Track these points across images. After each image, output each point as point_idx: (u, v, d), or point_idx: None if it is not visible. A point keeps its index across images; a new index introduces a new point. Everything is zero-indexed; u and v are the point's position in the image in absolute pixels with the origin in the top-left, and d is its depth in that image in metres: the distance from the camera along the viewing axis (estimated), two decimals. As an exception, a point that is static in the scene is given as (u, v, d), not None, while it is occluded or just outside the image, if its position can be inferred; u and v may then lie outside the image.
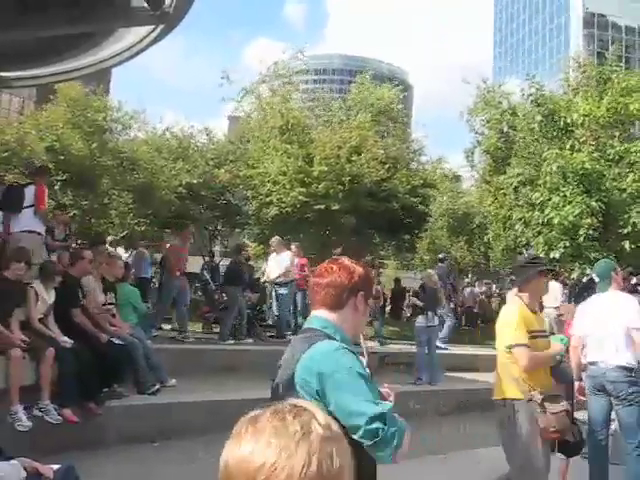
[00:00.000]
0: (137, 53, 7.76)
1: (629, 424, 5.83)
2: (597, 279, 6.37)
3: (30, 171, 11.03)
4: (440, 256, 17.74)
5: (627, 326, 5.77)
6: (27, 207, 8.91)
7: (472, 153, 22.54)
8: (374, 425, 2.16)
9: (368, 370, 2.55)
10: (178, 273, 11.63)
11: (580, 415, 7.78)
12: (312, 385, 2.26)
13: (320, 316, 2.54)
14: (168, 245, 13.25)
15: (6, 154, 17.58)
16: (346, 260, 2.64)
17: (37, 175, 9.77)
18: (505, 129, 20.08)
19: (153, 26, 6.92)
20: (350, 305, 2.53)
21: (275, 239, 13.46)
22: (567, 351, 7.08)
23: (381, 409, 2.20)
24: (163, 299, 11.89)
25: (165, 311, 12.05)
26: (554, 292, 12.37)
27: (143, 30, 7.09)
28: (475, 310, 22.35)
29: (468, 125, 21.71)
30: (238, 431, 1.19)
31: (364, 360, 2.63)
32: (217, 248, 17.39)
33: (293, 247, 13.26)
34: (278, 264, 12.79)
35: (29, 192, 9.02)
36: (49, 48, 7.59)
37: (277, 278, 12.79)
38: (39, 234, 9.04)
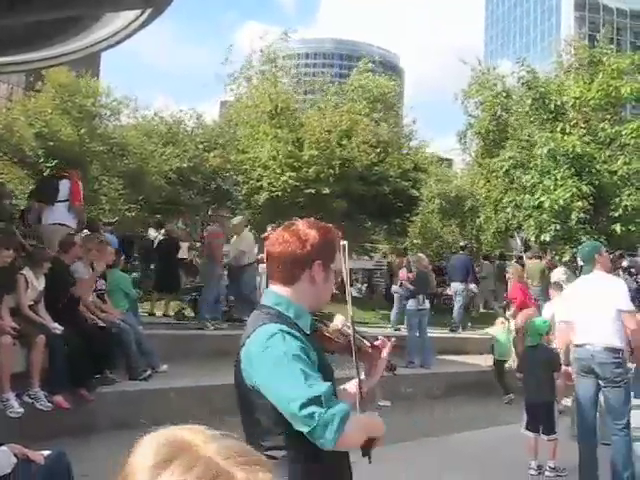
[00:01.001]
0: (126, 37, 7.69)
1: (616, 405, 5.89)
2: (581, 262, 6.41)
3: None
4: (461, 244, 17.79)
5: (615, 308, 5.79)
6: (61, 201, 9.21)
7: (464, 136, 22.51)
8: (309, 409, 1.99)
9: (354, 348, 2.43)
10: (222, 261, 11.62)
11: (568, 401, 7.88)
12: (250, 375, 2.15)
13: (274, 291, 2.35)
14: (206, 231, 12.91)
15: (-6, 141, 17.46)
16: (301, 225, 2.37)
17: (70, 169, 10.22)
18: (498, 112, 20.04)
19: (141, 10, 6.86)
20: (305, 278, 2.30)
21: (236, 219, 12.94)
22: (547, 333, 7.14)
23: (316, 391, 2.01)
24: (210, 289, 11.53)
25: (210, 301, 11.64)
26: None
27: (131, 14, 7.03)
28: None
29: (462, 108, 21.66)
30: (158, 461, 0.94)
31: (335, 324, 2.51)
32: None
33: (269, 229, 12.60)
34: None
35: (63, 186, 9.35)
36: (37, 33, 7.53)
37: (231, 261, 12.07)
38: (68, 227, 9.26)
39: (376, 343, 2.59)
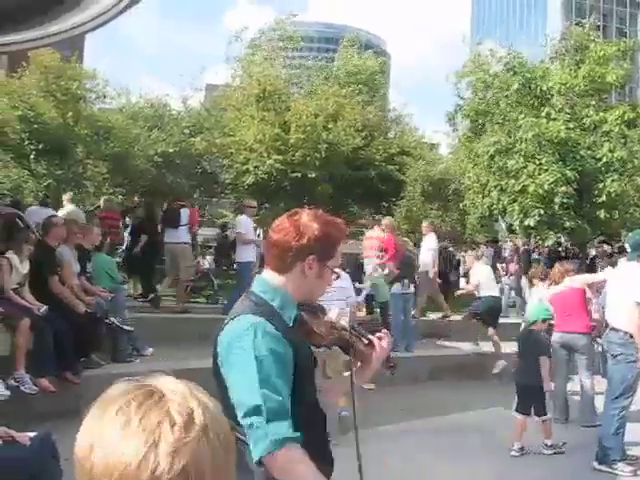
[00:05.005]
0: (111, 18, 7.60)
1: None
2: (629, 249, 6.65)
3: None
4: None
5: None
6: (183, 225, 11.59)
7: (453, 117, 22.50)
8: (250, 419, 1.98)
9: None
10: None
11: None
12: (219, 363, 2.16)
13: (263, 278, 2.34)
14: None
15: (-23, 123, 17.26)
16: (304, 216, 2.30)
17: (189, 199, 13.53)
18: (488, 95, 20.03)
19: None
20: (297, 270, 2.26)
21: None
22: (544, 321, 7.22)
23: (262, 402, 1.97)
24: None
25: None
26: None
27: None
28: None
29: (455, 88, 21.64)
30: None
31: (330, 316, 2.42)
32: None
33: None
34: None
35: (184, 213, 11.68)
36: (14, 14, 7.43)
37: None
38: (188, 244, 11.94)
39: (377, 335, 2.50)
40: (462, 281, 13.39)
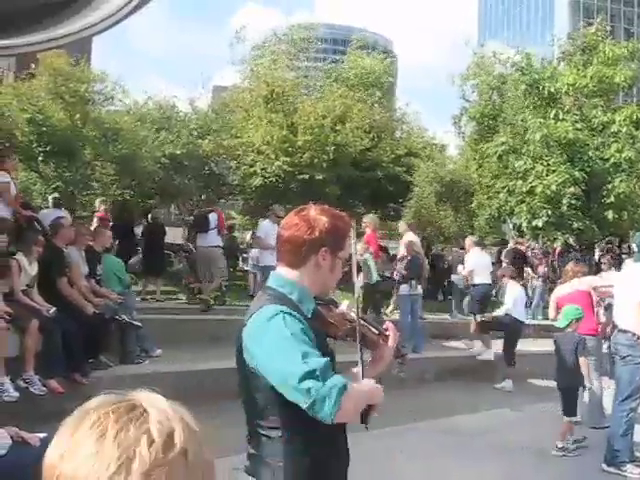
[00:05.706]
0: (118, 21, 7.63)
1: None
2: (635, 249, 6.67)
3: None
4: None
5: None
6: (212, 229, 11.97)
7: (459, 120, 22.49)
8: (306, 384, 1.99)
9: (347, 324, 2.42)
10: None
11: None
12: (251, 354, 2.18)
13: (279, 274, 2.39)
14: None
15: (-15, 126, 17.30)
16: (312, 210, 2.40)
17: (214, 204, 14.02)
18: (493, 97, 20.02)
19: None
20: (311, 263, 2.33)
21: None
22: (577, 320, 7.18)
23: (312, 366, 2.02)
24: None
25: None
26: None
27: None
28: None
29: (460, 91, 21.62)
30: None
31: (341, 308, 2.50)
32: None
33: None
34: None
35: (212, 218, 12.06)
36: (23, 17, 7.46)
37: None
38: (219, 247, 12.27)
39: (384, 327, 2.58)
40: (459, 267, 13.51)
